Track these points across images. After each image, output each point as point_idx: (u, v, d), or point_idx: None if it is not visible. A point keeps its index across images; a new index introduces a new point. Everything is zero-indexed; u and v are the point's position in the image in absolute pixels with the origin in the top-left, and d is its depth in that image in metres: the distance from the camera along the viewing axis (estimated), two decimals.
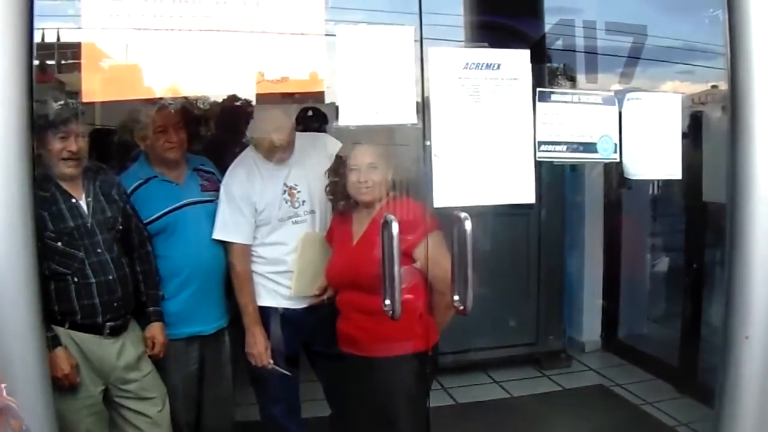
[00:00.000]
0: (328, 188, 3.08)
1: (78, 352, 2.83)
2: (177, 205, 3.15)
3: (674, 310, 4.55)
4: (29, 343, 2.27)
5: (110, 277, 2.86)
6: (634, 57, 3.59)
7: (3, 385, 1.02)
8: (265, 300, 3.21)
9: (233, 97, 3.78)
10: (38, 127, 2.54)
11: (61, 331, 2.80)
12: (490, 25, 3.56)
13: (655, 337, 5.05)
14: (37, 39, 2.90)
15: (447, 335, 3.03)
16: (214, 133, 4.29)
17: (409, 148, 2.90)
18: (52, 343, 2.67)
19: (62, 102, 2.79)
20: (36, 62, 2.59)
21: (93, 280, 2.83)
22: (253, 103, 3.33)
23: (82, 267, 2.81)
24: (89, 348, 2.86)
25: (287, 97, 3.23)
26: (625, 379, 4.62)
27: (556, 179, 4.60)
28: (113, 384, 2.95)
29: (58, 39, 2.89)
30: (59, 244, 2.77)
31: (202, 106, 4.20)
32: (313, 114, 4.00)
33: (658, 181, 3.04)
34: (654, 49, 3.53)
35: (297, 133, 3.26)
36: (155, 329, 3.05)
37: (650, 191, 4.64)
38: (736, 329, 2.75)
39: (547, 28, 3.92)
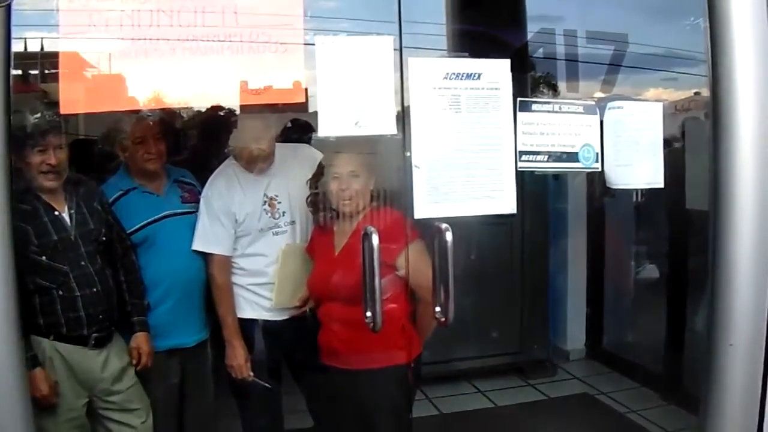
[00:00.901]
0: (309, 199, 3.06)
1: (63, 364, 2.82)
2: (157, 216, 3.14)
3: (658, 318, 4.54)
4: (7, 359, 2.24)
5: (95, 289, 2.85)
6: (616, 65, 3.60)
7: None
8: (246, 312, 3.20)
9: (215, 108, 3.77)
10: (17, 140, 2.50)
11: (46, 343, 2.78)
12: (471, 33, 3.56)
13: (640, 344, 5.03)
14: (20, 48, 2.90)
15: (431, 345, 3.02)
16: (196, 144, 4.27)
17: (389, 158, 2.88)
18: (32, 363, 2.63)
19: (39, 114, 2.76)
20: (18, 72, 2.58)
21: (78, 293, 2.81)
22: (236, 113, 3.31)
23: (67, 280, 2.79)
24: (74, 359, 2.84)
25: (270, 108, 3.21)
26: (610, 387, 4.63)
27: (539, 188, 4.60)
28: (97, 396, 2.93)
29: (42, 48, 2.86)
30: (43, 258, 2.75)
31: (184, 117, 4.18)
32: (292, 125, 3.98)
33: (642, 189, 3.03)
34: (636, 57, 3.53)
35: (277, 144, 3.25)
36: (140, 339, 3.03)
37: (633, 199, 4.64)
38: (720, 337, 2.74)
39: (529, 36, 3.92)
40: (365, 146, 2.91)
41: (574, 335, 5.18)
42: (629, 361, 4.84)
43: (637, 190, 3.01)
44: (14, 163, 2.39)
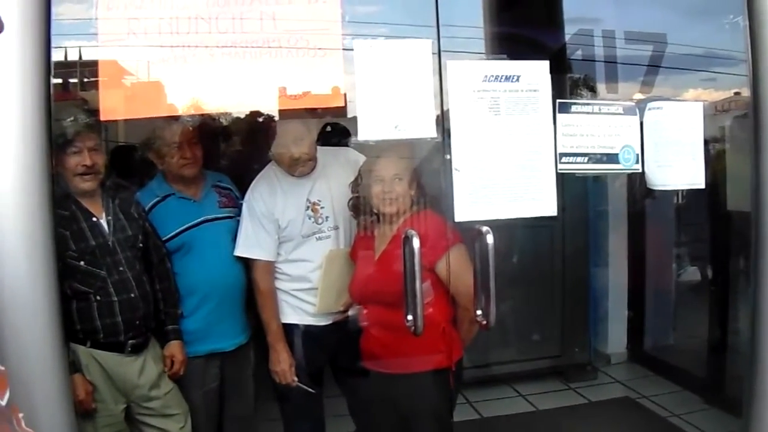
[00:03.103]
0: (350, 202, 3.06)
1: (100, 371, 2.83)
2: (194, 222, 3.14)
3: (701, 320, 4.49)
4: (51, 365, 2.26)
5: (132, 295, 2.86)
6: (655, 65, 3.55)
7: (21, 415, 1.00)
8: (290, 317, 3.18)
9: (253, 113, 3.78)
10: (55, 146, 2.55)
11: (83, 350, 2.79)
12: (509, 36, 3.53)
13: (682, 347, 4.97)
14: (59, 57, 2.93)
15: (472, 348, 3.00)
16: (234, 149, 4.28)
17: (429, 161, 2.88)
18: (71, 368, 2.63)
19: (72, 117, 2.78)
20: (59, 81, 2.61)
21: (115, 299, 2.82)
22: (275, 118, 3.32)
23: (105, 285, 2.81)
24: (111, 366, 2.85)
25: (310, 112, 3.20)
26: (652, 390, 4.56)
27: (580, 190, 4.56)
28: (135, 401, 2.95)
29: (80, 57, 2.89)
30: (81, 263, 2.77)
31: (221, 122, 4.19)
32: (331, 129, 3.98)
33: (683, 190, 2.99)
34: (676, 57, 3.49)
35: (320, 148, 3.23)
36: (174, 347, 3.04)
37: (675, 200, 4.59)
38: (763, 338, 2.71)
39: (567, 37, 3.88)
40: (405, 150, 2.91)
41: (616, 338, 5.12)
42: (671, 364, 4.78)
43: (677, 191, 2.97)
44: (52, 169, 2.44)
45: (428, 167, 2.92)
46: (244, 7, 2.53)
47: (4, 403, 0.94)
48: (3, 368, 0.98)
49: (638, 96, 3.42)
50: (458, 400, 3.18)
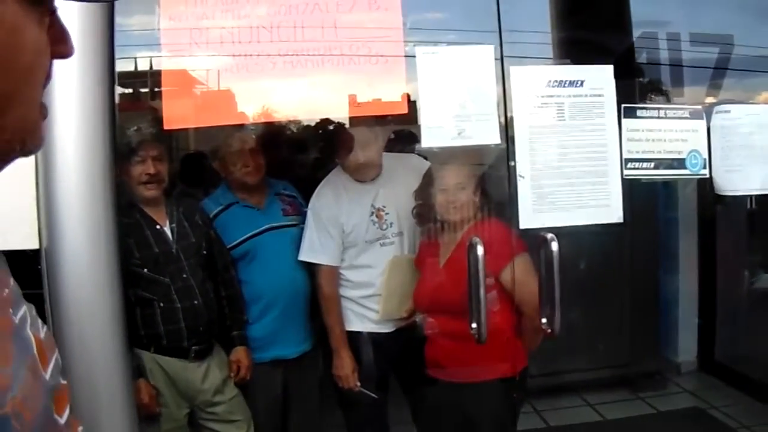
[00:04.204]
0: (414, 210, 3.05)
1: (163, 376, 2.86)
2: (258, 230, 3.15)
3: None
4: (116, 371, 2.29)
5: (195, 302, 2.88)
6: (724, 68, 3.46)
7: (80, 429, 1.00)
8: (354, 324, 3.18)
9: (316, 120, 3.80)
10: (119, 155, 2.61)
11: (147, 356, 2.83)
12: (575, 40, 3.48)
13: (754, 357, 4.83)
14: (130, 68, 2.98)
15: (539, 357, 2.96)
16: (298, 157, 4.30)
17: (493, 168, 2.86)
18: (135, 373, 2.68)
19: (136, 127, 2.83)
20: (127, 90, 2.67)
21: (179, 305, 2.85)
22: (338, 125, 3.32)
23: (168, 292, 2.84)
24: (175, 371, 2.88)
25: (378, 120, 3.21)
26: (723, 401, 4.45)
27: (649, 196, 4.48)
28: (198, 407, 2.97)
29: (151, 67, 2.94)
30: (145, 270, 2.81)
31: (285, 130, 4.21)
32: (396, 136, 3.97)
33: (755, 196, 2.91)
34: (748, 60, 3.38)
35: (385, 154, 3.24)
36: (240, 353, 3.05)
37: (747, 206, 4.48)
38: None
39: (633, 41, 3.80)
40: (471, 156, 2.89)
41: (686, 347, 5.01)
42: (743, 375, 4.63)
43: (750, 197, 2.89)
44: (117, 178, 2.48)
45: (493, 174, 2.90)
46: (305, 16, 2.54)
47: (63, 421, 0.94)
48: (65, 382, 0.97)
49: (711, 99, 3.31)
50: (525, 409, 3.14)
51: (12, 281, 0.90)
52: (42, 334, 0.92)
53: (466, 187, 2.87)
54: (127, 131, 2.98)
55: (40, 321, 0.95)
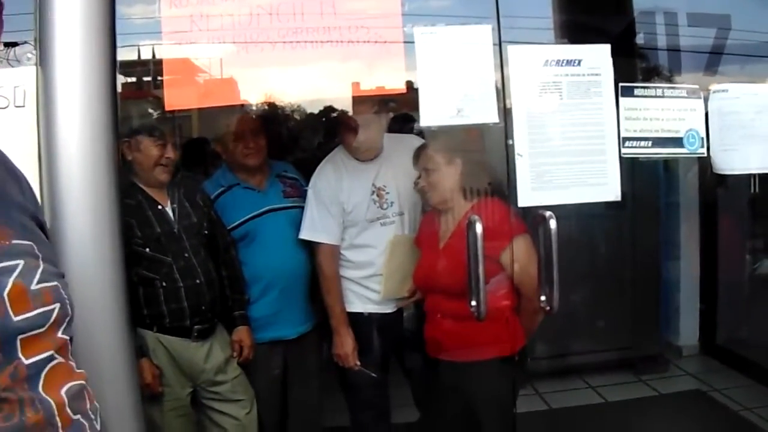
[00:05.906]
0: (416, 186, 3.04)
1: (166, 355, 2.89)
2: (259, 211, 3.17)
3: None
4: (119, 350, 2.31)
5: (198, 281, 2.90)
6: (730, 53, 3.44)
7: (74, 383, 1.06)
8: (354, 305, 3.19)
9: (316, 102, 3.80)
10: (135, 134, 2.79)
11: (150, 335, 2.85)
12: (573, 23, 3.48)
13: (756, 340, 4.82)
14: (134, 56, 2.99)
15: (542, 339, 2.97)
16: (299, 138, 4.31)
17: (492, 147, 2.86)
18: (138, 353, 2.70)
19: (159, 113, 2.86)
20: (133, 79, 2.68)
21: (181, 284, 2.87)
22: (338, 107, 3.32)
23: (170, 271, 2.86)
24: (177, 351, 2.90)
25: (376, 100, 3.22)
26: (724, 384, 4.48)
27: (650, 179, 4.49)
28: (201, 386, 3.00)
29: (154, 56, 2.94)
30: (147, 249, 2.83)
31: (284, 111, 4.22)
32: (395, 116, 3.96)
33: (757, 179, 2.90)
34: (755, 45, 3.36)
35: (386, 135, 3.26)
36: (242, 333, 3.08)
37: (749, 190, 4.48)
38: None
39: (633, 23, 3.78)
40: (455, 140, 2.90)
41: (687, 330, 5.04)
42: (744, 358, 4.65)
43: (753, 181, 2.88)
44: (125, 158, 2.50)
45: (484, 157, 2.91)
46: (305, 1, 2.54)
47: (27, 362, 1.01)
48: (65, 337, 1.06)
49: (714, 87, 3.31)
50: (527, 391, 3.15)
51: (16, 241, 0.96)
52: (32, 285, 1.01)
53: (437, 169, 2.88)
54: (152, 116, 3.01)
55: (39, 276, 1.01)
